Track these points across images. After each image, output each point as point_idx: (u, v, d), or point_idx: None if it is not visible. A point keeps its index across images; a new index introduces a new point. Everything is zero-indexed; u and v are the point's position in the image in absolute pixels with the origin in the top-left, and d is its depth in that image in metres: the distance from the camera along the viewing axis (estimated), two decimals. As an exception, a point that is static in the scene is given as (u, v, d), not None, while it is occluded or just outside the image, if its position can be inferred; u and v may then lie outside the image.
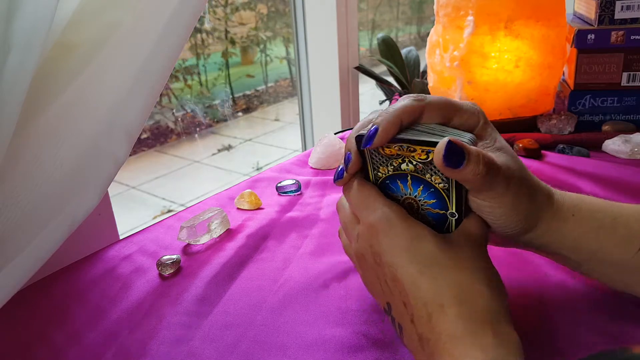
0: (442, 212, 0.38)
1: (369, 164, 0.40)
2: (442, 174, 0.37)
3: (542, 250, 0.42)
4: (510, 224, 0.38)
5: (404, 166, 0.38)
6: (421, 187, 0.39)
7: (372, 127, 0.37)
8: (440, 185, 0.38)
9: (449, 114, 0.39)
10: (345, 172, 0.40)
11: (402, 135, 0.37)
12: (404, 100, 0.39)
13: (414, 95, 0.39)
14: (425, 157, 0.37)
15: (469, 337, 0.32)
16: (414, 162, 0.38)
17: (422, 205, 0.39)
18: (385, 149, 0.38)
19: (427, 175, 0.38)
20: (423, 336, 0.34)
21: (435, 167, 0.37)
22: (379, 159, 0.39)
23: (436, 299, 0.34)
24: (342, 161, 0.41)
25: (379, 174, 0.40)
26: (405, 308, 0.36)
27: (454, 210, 0.38)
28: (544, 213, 0.39)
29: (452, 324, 0.33)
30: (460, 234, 0.37)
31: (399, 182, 0.40)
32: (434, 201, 0.39)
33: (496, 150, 0.39)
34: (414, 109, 0.38)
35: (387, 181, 0.40)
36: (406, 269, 0.36)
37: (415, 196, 0.39)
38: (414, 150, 0.37)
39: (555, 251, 0.41)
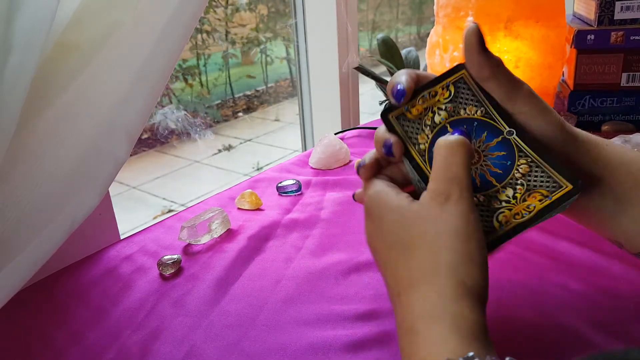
0: (503, 153, 0.36)
1: (407, 143, 0.38)
2: (472, 100, 0.37)
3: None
4: (551, 125, 0.38)
5: (437, 118, 0.37)
6: (464, 127, 0.38)
7: (393, 88, 0.38)
8: (478, 113, 0.37)
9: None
10: (393, 155, 0.38)
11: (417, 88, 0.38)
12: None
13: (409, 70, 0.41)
14: (448, 94, 0.37)
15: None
16: (443, 106, 0.37)
17: (482, 151, 0.37)
18: (412, 109, 0.38)
19: (462, 112, 0.38)
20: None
21: (463, 97, 0.37)
22: (413, 128, 0.38)
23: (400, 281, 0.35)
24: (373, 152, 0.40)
25: (420, 146, 0.38)
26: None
27: (507, 127, 0.37)
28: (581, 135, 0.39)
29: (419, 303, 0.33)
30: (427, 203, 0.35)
31: None
32: (485, 133, 0.37)
33: None
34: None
35: (433, 148, 0.37)
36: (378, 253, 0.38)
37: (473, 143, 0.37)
38: (436, 94, 0.37)
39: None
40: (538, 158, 0.36)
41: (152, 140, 2.64)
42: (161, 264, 0.57)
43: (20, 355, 0.46)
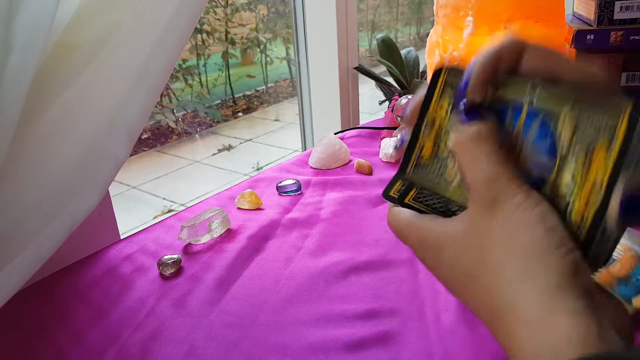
0: (536, 124, 0.27)
1: (438, 197, 0.31)
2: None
3: None
4: None
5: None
6: (477, 111, 0.29)
7: (463, 80, 0.29)
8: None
9: (555, 66, 0.30)
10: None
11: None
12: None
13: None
14: (447, 104, 0.30)
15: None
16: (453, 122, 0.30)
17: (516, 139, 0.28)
18: (423, 152, 0.31)
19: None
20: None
21: None
22: (434, 172, 0.31)
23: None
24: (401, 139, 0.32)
25: (453, 184, 0.30)
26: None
27: (526, 92, 0.28)
28: None
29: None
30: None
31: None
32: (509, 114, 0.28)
33: None
34: (513, 47, 0.29)
35: None
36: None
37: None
38: (435, 116, 0.30)
39: None
40: (574, 99, 0.26)
41: (152, 140, 2.64)
42: (161, 264, 0.57)
43: (20, 354, 0.46)
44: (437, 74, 0.31)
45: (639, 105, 0.25)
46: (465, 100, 0.28)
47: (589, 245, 0.25)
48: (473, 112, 0.28)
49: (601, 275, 0.49)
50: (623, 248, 0.50)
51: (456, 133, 0.28)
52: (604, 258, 0.25)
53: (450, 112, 0.30)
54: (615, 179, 0.24)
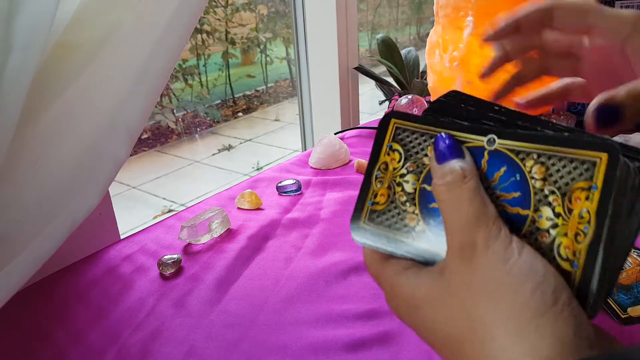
0: (503, 168, 0.26)
1: (397, 243, 0.29)
2: (425, 140, 0.29)
3: None
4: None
5: (408, 187, 0.29)
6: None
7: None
8: None
9: (586, 20, 0.32)
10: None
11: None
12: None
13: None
14: (398, 155, 0.30)
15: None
16: (405, 170, 0.30)
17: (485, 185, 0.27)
18: (377, 200, 0.30)
19: (427, 160, 0.29)
20: None
21: (414, 144, 0.30)
22: (392, 219, 0.30)
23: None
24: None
25: (416, 229, 0.28)
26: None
27: (484, 137, 0.27)
28: None
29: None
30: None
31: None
32: None
33: None
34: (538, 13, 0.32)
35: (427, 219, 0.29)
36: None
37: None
38: (387, 165, 0.30)
39: None
40: (544, 147, 0.25)
41: (152, 140, 2.64)
42: (161, 264, 0.57)
43: (20, 354, 0.46)
44: (386, 119, 0.31)
45: (615, 149, 0.23)
46: (444, 135, 0.27)
47: (586, 285, 0.23)
48: (454, 149, 0.26)
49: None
50: (632, 259, 0.50)
51: (436, 171, 0.26)
52: (604, 298, 0.23)
53: (403, 162, 0.30)
54: (605, 211, 0.23)
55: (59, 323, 0.50)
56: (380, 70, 1.41)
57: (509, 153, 0.26)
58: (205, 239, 0.62)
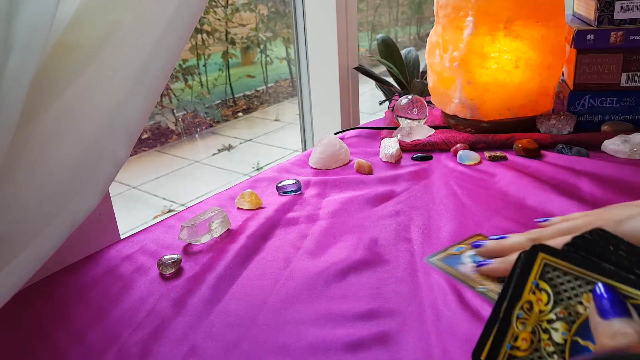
0: None
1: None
2: (579, 283, 0.26)
3: None
4: None
5: (557, 336, 0.26)
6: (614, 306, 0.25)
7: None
8: None
9: None
10: None
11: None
12: None
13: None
14: (545, 296, 0.27)
15: None
16: (553, 316, 0.27)
17: None
18: (518, 345, 0.27)
19: (580, 308, 0.26)
20: None
21: (565, 287, 0.27)
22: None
23: None
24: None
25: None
26: None
27: None
28: None
29: None
30: None
31: None
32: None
33: None
34: None
35: None
36: None
37: None
38: (531, 305, 0.27)
39: None
40: None
41: (152, 140, 2.64)
42: (161, 264, 0.57)
43: (20, 355, 0.46)
44: (533, 252, 0.28)
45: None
46: (605, 286, 0.25)
47: None
48: (618, 305, 0.24)
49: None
50: None
51: (604, 331, 0.23)
52: None
53: (552, 306, 0.26)
54: None
55: (59, 323, 0.50)
56: (380, 70, 1.41)
57: None
58: (205, 239, 0.62)
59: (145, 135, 2.59)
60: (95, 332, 0.48)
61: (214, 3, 2.62)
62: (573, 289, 0.26)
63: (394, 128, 0.95)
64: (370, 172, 0.80)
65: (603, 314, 0.24)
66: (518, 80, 0.83)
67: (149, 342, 0.46)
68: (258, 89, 3.28)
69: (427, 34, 0.93)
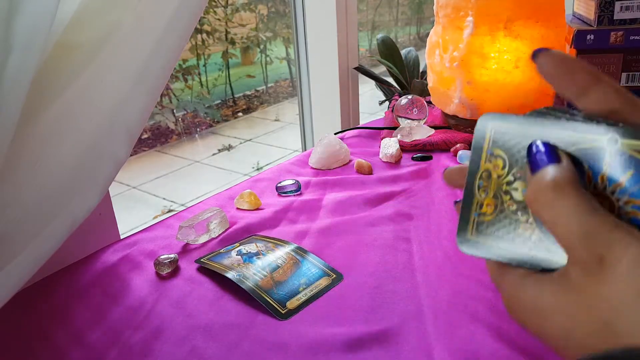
0: (630, 172, 0.23)
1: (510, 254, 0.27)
2: None
3: None
4: None
5: (517, 195, 0.27)
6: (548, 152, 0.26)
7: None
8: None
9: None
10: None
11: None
12: None
13: None
14: (501, 161, 0.28)
15: None
16: (512, 177, 0.27)
17: (606, 190, 0.24)
18: (484, 210, 0.28)
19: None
20: None
21: (519, 149, 0.27)
22: (503, 230, 0.28)
23: None
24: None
25: (533, 237, 0.27)
26: None
27: (603, 135, 0.24)
28: None
29: None
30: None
31: None
32: (586, 166, 0.25)
33: None
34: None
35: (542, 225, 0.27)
36: None
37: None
38: (489, 172, 0.28)
39: None
40: None
41: (152, 140, 2.64)
42: (157, 264, 0.57)
43: (20, 355, 0.46)
44: (482, 123, 0.28)
45: None
46: (538, 141, 0.25)
47: None
48: (550, 154, 0.24)
49: None
50: (287, 256, 0.55)
51: (529, 184, 0.24)
52: None
53: (508, 168, 0.27)
54: None
55: (59, 323, 0.50)
56: (380, 70, 1.41)
57: (636, 155, 0.23)
58: (203, 239, 0.62)
59: (145, 135, 2.59)
60: (95, 332, 0.48)
61: (214, 3, 2.62)
62: (525, 148, 0.26)
63: (394, 128, 0.95)
64: (370, 172, 0.80)
65: (532, 168, 0.24)
66: (518, 81, 0.83)
67: (150, 341, 0.46)
68: (258, 89, 3.28)
69: (427, 34, 0.93)
